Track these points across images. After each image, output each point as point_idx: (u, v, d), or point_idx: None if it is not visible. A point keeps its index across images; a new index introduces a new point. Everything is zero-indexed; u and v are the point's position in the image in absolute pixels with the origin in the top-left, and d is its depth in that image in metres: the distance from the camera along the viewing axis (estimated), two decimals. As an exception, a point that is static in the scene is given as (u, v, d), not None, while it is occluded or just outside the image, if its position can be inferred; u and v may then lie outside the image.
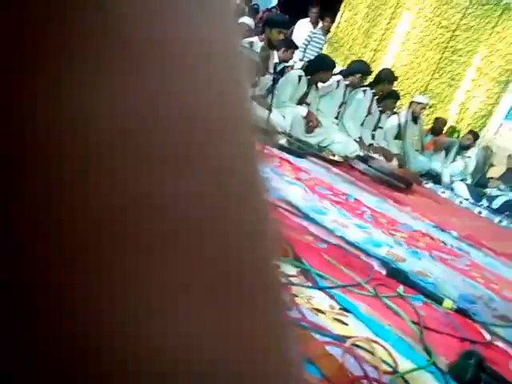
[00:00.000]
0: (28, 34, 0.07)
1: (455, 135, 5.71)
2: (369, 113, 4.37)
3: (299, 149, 3.29)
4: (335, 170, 3.16)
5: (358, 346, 0.98)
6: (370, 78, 4.60)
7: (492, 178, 4.84)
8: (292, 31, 5.75)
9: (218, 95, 0.09)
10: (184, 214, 0.08)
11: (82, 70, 0.08)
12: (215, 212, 0.09)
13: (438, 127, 5.52)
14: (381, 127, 4.63)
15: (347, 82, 4.19)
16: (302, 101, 3.92)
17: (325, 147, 3.82)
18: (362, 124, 4.34)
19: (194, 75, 0.09)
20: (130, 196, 0.08)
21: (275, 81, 3.59)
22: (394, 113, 4.96)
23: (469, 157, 5.07)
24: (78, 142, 0.08)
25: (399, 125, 4.86)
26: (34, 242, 0.08)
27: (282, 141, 3.30)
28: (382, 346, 1.02)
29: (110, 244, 0.08)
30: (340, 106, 4.19)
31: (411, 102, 5.01)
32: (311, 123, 3.81)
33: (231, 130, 0.10)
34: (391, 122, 4.83)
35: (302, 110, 3.81)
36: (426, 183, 4.48)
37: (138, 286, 0.08)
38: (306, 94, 3.93)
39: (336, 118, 4.20)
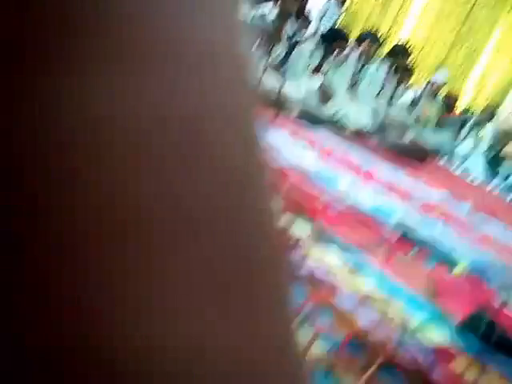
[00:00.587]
0: (28, 34, 0.07)
1: (469, 113, 5.60)
2: (383, 86, 4.30)
3: (313, 119, 3.26)
4: (349, 140, 3.13)
5: (370, 300, 0.98)
6: (385, 51, 4.51)
7: (508, 155, 4.75)
8: (307, 1, 5.64)
9: (223, 95, 0.09)
10: (188, 213, 0.08)
11: (82, 70, 0.08)
12: (220, 212, 0.09)
13: (448, 103, 5.39)
14: (395, 100, 4.56)
15: (359, 52, 4.13)
16: (315, 72, 3.87)
17: (339, 119, 3.79)
18: (376, 96, 4.28)
19: (197, 75, 0.09)
20: (131, 196, 0.08)
21: (289, 51, 3.54)
22: (409, 87, 4.87)
23: (481, 135, 4.98)
24: (79, 141, 0.08)
25: (414, 99, 4.79)
26: (33, 241, 0.08)
27: (296, 111, 3.27)
28: (394, 302, 1.03)
29: (111, 243, 0.08)
30: (353, 77, 4.13)
31: (428, 81, 4.91)
32: (325, 94, 3.76)
33: (236, 130, 0.10)
34: (407, 96, 4.75)
35: (316, 81, 3.77)
36: (441, 158, 4.43)
37: (138, 285, 0.08)
38: (319, 65, 3.88)
39: (350, 89, 4.14)
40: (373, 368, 0.69)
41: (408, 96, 4.77)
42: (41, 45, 0.07)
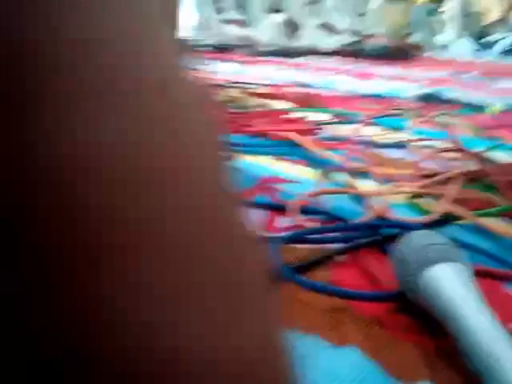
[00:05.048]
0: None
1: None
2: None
3: (287, 53, 3.14)
4: (330, 59, 3.02)
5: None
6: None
7: (488, 24, 4.58)
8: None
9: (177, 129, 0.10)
10: (177, 230, 0.10)
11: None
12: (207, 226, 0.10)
13: None
14: (363, 13, 4.39)
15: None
16: (274, 9, 3.73)
17: (312, 48, 3.65)
18: (342, 13, 4.12)
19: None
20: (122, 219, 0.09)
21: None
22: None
23: (443, 11, 4.78)
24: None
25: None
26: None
27: (267, 50, 3.15)
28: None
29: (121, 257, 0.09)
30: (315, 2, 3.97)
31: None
32: (291, 28, 3.63)
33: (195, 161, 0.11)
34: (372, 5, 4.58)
35: (279, 17, 3.63)
36: (425, 52, 4.30)
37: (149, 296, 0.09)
38: (277, 3, 3.74)
39: (314, 16, 3.99)
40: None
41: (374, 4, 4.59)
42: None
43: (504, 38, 4.31)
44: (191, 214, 0.10)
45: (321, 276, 0.43)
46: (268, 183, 0.63)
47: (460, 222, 0.54)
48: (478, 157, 0.65)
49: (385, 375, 0.31)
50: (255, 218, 0.54)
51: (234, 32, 3.22)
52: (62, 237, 0.08)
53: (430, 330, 0.36)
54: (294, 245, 0.47)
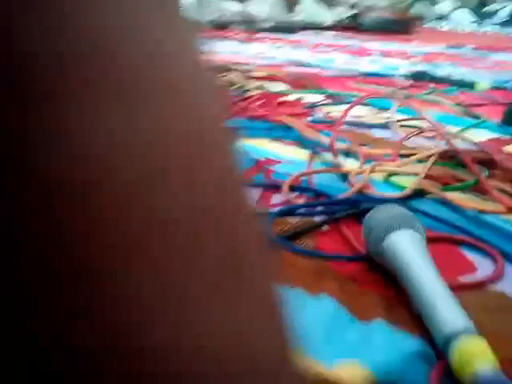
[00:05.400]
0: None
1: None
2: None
3: (286, 28, 3.16)
4: (329, 33, 3.05)
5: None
6: None
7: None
8: None
9: (184, 119, 0.10)
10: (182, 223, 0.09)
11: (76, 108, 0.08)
12: (209, 220, 0.10)
13: None
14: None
15: None
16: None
17: (311, 22, 3.66)
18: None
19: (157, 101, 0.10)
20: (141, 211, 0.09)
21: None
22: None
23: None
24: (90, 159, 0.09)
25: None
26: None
27: (267, 26, 3.17)
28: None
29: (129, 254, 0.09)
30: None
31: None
32: (289, 2, 3.62)
33: (203, 152, 0.10)
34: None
35: (276, -8, 3.62)
36: (425, 24, 4.28)
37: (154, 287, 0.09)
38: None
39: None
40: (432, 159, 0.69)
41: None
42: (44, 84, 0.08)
43: (504, 7, 4.30)
44: (207, 210, 0.10)
45: (307, 243, 0.52)
46: (264, 165, 0.71)
47: (430, 196, 0.63)
48: (451, 136, 0.73)
49: (351, 317, 0.40)
50: (253, 195, 0.63)
51: (232, 8, 3.24)
52: (65, 239, 0.08)
53: (393, 285, 0.45)
54: (285, 218, 0.56)
